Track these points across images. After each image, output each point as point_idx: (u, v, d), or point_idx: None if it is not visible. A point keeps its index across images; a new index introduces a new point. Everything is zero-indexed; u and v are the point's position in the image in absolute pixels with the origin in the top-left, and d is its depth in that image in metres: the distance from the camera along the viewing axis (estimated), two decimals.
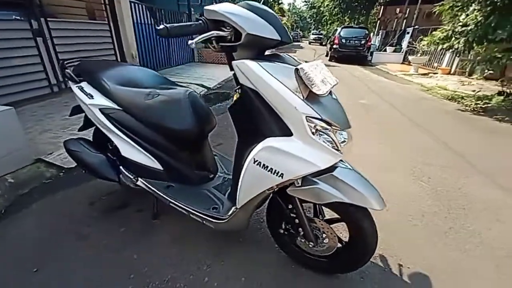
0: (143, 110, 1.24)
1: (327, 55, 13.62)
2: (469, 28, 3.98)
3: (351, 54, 10.83)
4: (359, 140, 1.70)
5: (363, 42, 10.70)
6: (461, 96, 5.07)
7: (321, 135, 0.86)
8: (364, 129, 3.34)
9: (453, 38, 4.23)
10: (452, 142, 3.02)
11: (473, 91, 5.25)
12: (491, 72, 6.47)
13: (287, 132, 0.88)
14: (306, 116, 0.82)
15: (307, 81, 0.81)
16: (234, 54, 0.96)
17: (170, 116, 1.23)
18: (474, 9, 3.83)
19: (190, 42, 0.83)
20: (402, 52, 11.07)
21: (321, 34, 32.58)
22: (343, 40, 10.83)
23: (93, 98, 1.33)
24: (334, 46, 11.04)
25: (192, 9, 8.42)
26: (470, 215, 1.75)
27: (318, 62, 0.94)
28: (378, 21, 15.35)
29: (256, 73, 0.84)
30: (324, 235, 1.11)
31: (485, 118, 4.04)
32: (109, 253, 1.35)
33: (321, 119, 0.84)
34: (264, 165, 0.91)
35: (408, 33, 10.86)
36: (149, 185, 1.33)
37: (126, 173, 1.39)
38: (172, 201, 1.27)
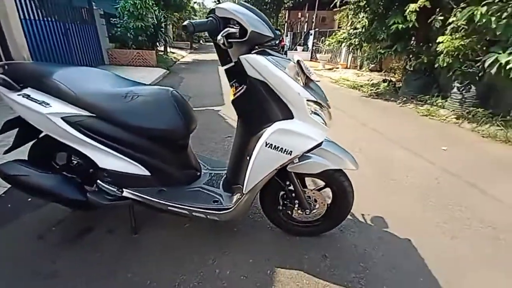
0: (123, 113, 1.13)
1: None
2: (359, 30, 5.05)
3: None
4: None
5: (277, 42, 11.71)
6: (360, 85, 6.36)
7: (316, 114, 1.04)
8: None
9: (351, 38, 5.26)
10: (363, 119, 3.87)
11: (368, 80, 6.65)
12: (372, 65, 8.32)
13: (289, 115, 1.03)
14: (307, 100, 1.00)
15: (306, 70, 0.98)
16: (230, 50, 1.04)
17: (155, 116, 1.17)
18: (363, 16, 4.88)
19: (219, 37, 0.87)
20: (309, 51, 12.77)
21: None
22: None
23: (50, 106, 1.11)
24: None
25: (93, 3, 7.36)
26: (394, 171, 2.33)
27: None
28: (285, 24, 17.14)
29: (265, 65, 0.96)
30: (315, 201, 1.32)
31: (379, 100, 5.28)
32: (98, 281, 1.18)
33: (315, 102, 1.02)
34: (275, 146, 1.03)
35: (311, 34, 12.60)
36: (139, 194, 1.22)
37: (107, 187, 1.23)
38: (171, 204, 1.22)
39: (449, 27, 3.72)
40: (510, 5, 2.76)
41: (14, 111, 1.19)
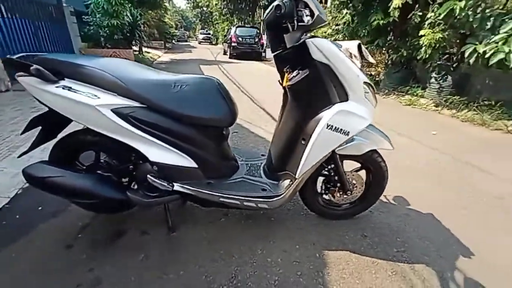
0: (174, 103, 1.10)
1: (225, 53, 14.19)
2: (341, 26, 5.27)
3: (248, 51, 11.79)
4: None
5: (256, 40, 11.83)
6: None
7: (366, 96, 1.10)
8: None
9: (333, 35, 5.47)
10: None
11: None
12: None
13: (344, 98, 1.08)
14: (363, 82, 1.05)
15: (365, 53, 1.03)
16: (286, 35, 1.06)
17: (204, 105, 1.15)
18: (346, 12, 5.10)
19: (306, 20, 0.88)
20: None
21: (209, 33, 33.14)
22: (240, 39, 11.62)
23: (98, 98, 1.04)
24: (233, 45, 11.67)
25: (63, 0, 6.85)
26: (398, 155, 2.48)
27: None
28: (262, 22, 17.24)
29: (330, 48, 1.01)
30: (354, 183, 1.38)
31: None
32: (151, 283, 1.13)
33: (368, 83, 1.08)
34: (335, 127, 1.08)
35: None
36: (190, 187, 1.19)
37: (157, 181, 1.17)
38: (222, 195, 1.21)
39: (427, 22, 4.03)
40: (484, 1, 3.07)
41: (48, 105, 1.10)
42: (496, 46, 2.95)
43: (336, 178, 1.34)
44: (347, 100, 1.10)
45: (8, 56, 1.09)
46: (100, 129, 1.10)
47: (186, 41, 38.90)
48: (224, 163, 1.30)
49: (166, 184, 1.19)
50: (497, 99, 3.79)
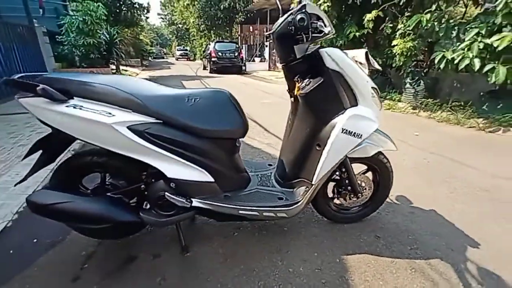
0: (189, 117, 1.09)
1: (204, 68, 14.27)
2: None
3: (228, 65, 11.96)
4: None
5: (236, 54, 12.06)
6: None
7: (373, 100, 1.17)
8: (280, 118, 3.98)
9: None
10: None
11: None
12: None
13: (355, 103, 1.14)
14: (371, 87, 1.12)
15: (371, 61, 1.10)
16: (296, 47, 1.11)
17: (219, 117, 1.15)
18: None
19: (327, 30, 0.92)
20: (266, 61, 13.36)
21: (186, 49, 33.29)
22: (220, 54, 11.78)
23: (113, 116, 1.00)
24: (213, 59, 11.79)
25: (35, 20, 6.60)
26: (390, 155, 2.60)
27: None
28: (239, 37, 17.69)
29: (342, 57, 1.06)
30: (363, 185, 1.43)
31: None
32: None
33: (375, 88, 1.15)
34: (349, 131, 1.12)
35: (266, 46, 13.25)
36: (208, 202, 1.16)
37: (176, 198, 1.13)
38: (241, 207, 1.19)
39: (398, 33, 4.37)
40: (447, 12, 3.41)
41: (55, 126, 1.03)
42: (463, 52, 3.26)
43: (347, 181, 1.38)
44: (356, 105, 1.16)
45: (5, 78, 1.03)
46: (115, 148, 1.06)
47: (163, 57, 38.76)
48: (238, 175, 1.29)
49: (184, 201, 1.15)
50: (465, 99, 4.15)
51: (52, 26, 7.33)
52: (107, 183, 1.28)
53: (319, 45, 1.20)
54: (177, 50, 34.73)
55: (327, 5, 4.99)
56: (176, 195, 1.15)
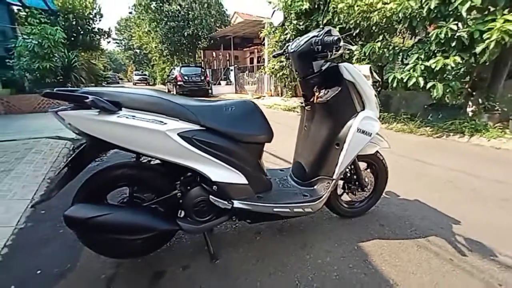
0: (228, 123, 1.19)
1: (169, 92, 14.10)
2: (289, 63, 6.13)
3: (194, 89, 12.06)
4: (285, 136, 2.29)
5: (202, 78, 12.28)
6: (293, 107, 7.44)
7: (376, 105, 1.44)
8: None
9: (282, 69, 6.29)
10: None
11: (300, 103, 7.85)
12: (290, 92, 9.88)
13: (363, 107, 1.39)
14: (374, 94, 1.38)
15: (374, 74, 1.37)
16: (314, 63, 1.33)
17: (252, 124, 1.27)
18: None
19: (354, 48, 1.13)
20: (232, 85, 13.85)
21: (145, 74, 32.50)
22: (186, 77, 11.87)
23: (165, 124, 1.05)
24: (179, 83, 11.79)
25: None
26: None
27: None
28: (202, 62, 18.11)
29: (356, 71, 1.30)
30: (367, 180, 1.65)
31: None
32: None
33: (376, 96, 1.42)
34: (363, 130, 1.35)
35: (231, 70, 13.81)
36: (248, 203, 1.24)
37: (220, 201, 1.18)
38: (276, 205, 1.29)
39: (354, 58, 5.10)
40: (391, 42, 4.16)
41: (102, 137, 1.04)
42: (409, 73, 3.96)
43: (355, 177, 1.59)
44: (364, 109, 1.41)
45: (47, 90, 1.02)
46: (166, 155, 1.10)
47: (118, 82, 37.08)
48: (265, 178, 1.40)
49: (226, 203, 1.21)
50: (411, 112, 4.94)
51: (0, 51, 6.68)
52: (136, 195, 1.28)
53: (330, 62, 1.45)
54: (135, 75, 33.64)
55: (293, 34, 5.59)
56: (219, 198, 1.21)
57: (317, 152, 1.45)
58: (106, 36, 12.29)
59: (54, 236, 1.63)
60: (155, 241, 1.32)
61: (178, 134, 1.09)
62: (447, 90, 3.79)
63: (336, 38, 1.21)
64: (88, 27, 10.74)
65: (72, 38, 9.47)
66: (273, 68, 6.49)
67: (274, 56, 1.78)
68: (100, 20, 11.50)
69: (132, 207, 1.22)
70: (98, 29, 11.37)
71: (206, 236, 1.39)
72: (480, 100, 4.20)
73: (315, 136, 1.47)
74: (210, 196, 1.21)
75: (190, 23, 14.86)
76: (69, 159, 1.11)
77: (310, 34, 1.33)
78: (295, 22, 5.50)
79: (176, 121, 1.11)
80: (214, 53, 17.78)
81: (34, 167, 2.95)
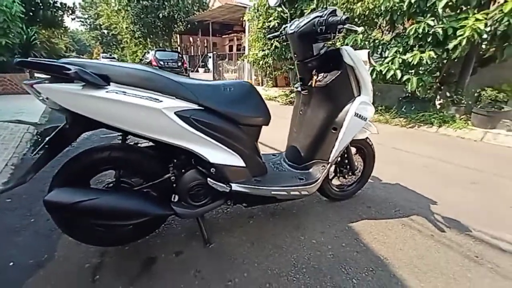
0: (227, 104, 1.13)
1: None
2: (272, 51, 6.09)
3: None
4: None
5: (179, 64, 11.75)
6: (274, 97, 7.44)
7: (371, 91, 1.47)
8: None
9: (266, 57, 6.22)
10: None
11: (276, 93, 7.86)
12: (271, 82, 9.87)
13: (359, 92, 1.39)
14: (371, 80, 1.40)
15: (371, 59, 1.38)
16: (314, 45, 1.31)
17: (250, 105, 1.22)
18: (274, 40, 5.92)
19: (360, 29, 1.10)
20: (211, 72, 13.44)
21: (114, 57, 30.33)
22: (161, 62, 11.26)
23: (161, 101, 0.95)
24: None
25: None
26: None
27: None
28: (179, 47, 17.27)
29: (356, 55, 1.29)
30: (356, 164, 1.70)
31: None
32: None
33: (372, 81, 1.44)
34: (359, 115, 1.36)
35: (210, 57, 13.37)
36: (246, 185, 1.20)
37: (217, 184, 1.13)
38: (274, 188, 1.27)
39: None
40: (370, 35, 4.29)
41: (88, 114, 0.93)
42: (388, 66, 4.13)
43: (346, 161, 1.63)
44: (360, 94, 1.42)
45: (20, 59, 0.89)
46: (159, 135, 1.02)
47: None
48: (261, 161, 1.38)
49: (225, 186, 1.17)
50: (386, 104, 5.19)
51: None
52: (123, 179, 1.18)
53: (329, 45, 1.44)
54: (102, 57, 31.21)
55: (277, 22, 5.51)
56: (217, 181, 1.17)
57: (313, 136, 1.46)
58: (70, 13, 11.12)
59: (25, 225, 1.48)
60: (145, 227, 1.25)
61: (175, 113, 1.01)
62: (420, 84, 4.02)
63: (344, 17, 1.18)
64: (50, 1, 9.61)
65: (31, 13, 8.41)
66: (255, 55, 6.38)
67: (269, 38, 1.73)
68: None
69: (123, 191, 1.13)
70: (61, 3, 10.23)
71: (199, 220, 1.35)
72: (448, 93, 4.53)
73: (311, 120, 1.47)
74: (208, 179, 1.16)
75: (166, 3, 13.99)
76: (48, 138, 0.98)
77: (312, 15, 1.29)
78: (279, 9, 5.41)
79: (173, 99, 1.03)
80: (191, 39, 17.05)
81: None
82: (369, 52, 1.45)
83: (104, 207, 0.99)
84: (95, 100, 0.91)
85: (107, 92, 0.92)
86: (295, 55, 1.44)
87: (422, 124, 4.30)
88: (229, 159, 1.18)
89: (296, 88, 1.64)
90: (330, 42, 1.35)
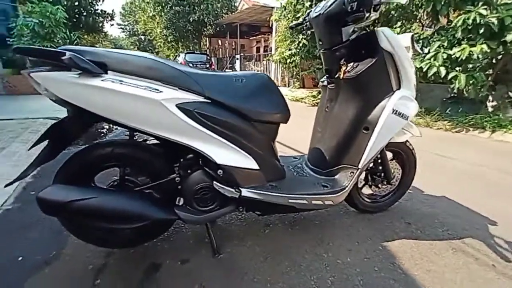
0: (238, 97, 0.99)
1: None
2: (299, 50, 5.86)
3: None
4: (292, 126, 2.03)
5: (207, 65, 12.00)
6: (301, 98, 7.17)
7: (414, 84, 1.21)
8: None
9: (293, 56, 6.02)
10: None
11: (303, 94, 7.57)
12: (298, 83, 9.58)
13: (399, 85, 1.15)
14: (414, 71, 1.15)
15: (416, 45, 1.14)
16: (344, 28, 1.10)
17: (266, 100, 1.07)
18: (302, 38, 5.69)
19: (404, 1, 0.90)
20: None
21: None
22: (190, 64, 11.57)
23: (161, 92, 0.85)
24: None
25: None
26: None
27: None
28: (207, 50, 17.72)
29: (396, 39, 1.07)
30: (393, 172, 1.44)
31: None
32: None
33: (415, 72, 1.19)
34: (398, 112, 1.13)
35: (237, 58, 13.46)
36: (258, 191, 1.04)
37: (225, 188, 0.99)
38: (291, 196, 1.09)
39: None
40: (409, 29, 3.85)
41: (81, 105, 0.85)
42: (430, 62, 3.68)
43: (380, 168, 1.38)
44: (399, 87, 1.18)
45: (17, 45, 0.83)
46: (159, 130, 0.91)
47: None
48: (278, 164, 1.20)
49: (233, 191, 1.02)
50: (426, 106, 4.66)
51: (1, 29, 6.47)
52: (128, 178, 1.09)
53: (362, 30, 1.22)
54: None
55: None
56: (225, 185, 1.02)
57: (340, 137, 1.24)
58: (110, 19, 11.97)
59: (41, 219, 1.47)
60: (149, 231, 1.14)
61: (176, 106, 0.89)
62: (470, 82, 3.51)
63: None
64: (91, 8, 10.43)
65: (75, 20, 9.18)
66: (282, 54, 6.19)
67: (291, 28, 1.55)
68: (103, 1, 11.17)
69: (123, 191, 1.03)
70: (101, 10, 11.06)
71: (209, 227, 1.21)
72: (506, 94, 3.91)
73: (339, 118, 1.25)
74: (214, 182, 1.02)
75: (196, 8, 14.42)
76: (44, 131, 0.92)
77: None
78: (307, 4, 5.18)
79: (175, 90, 0.91)
80: (220, 41, 17.35)
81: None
82: (413, 35, 1.21)
83: (100, 208, 0.90)
84: (90, 90, 0.82)
85: (102, 80, 0.83)
86: (320, 43, 1.25)
87: (471, 128, 3.76)
88: (239, 160, 1.03)
89: (322, 82, 1.44)
90: (363, 25, 1.12)
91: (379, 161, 1.38)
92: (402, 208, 1.61)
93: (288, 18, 5.86)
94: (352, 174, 1.21)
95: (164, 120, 0.89)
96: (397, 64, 1.15)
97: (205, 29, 15.60)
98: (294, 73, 8.21)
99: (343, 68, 1.17)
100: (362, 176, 1.47)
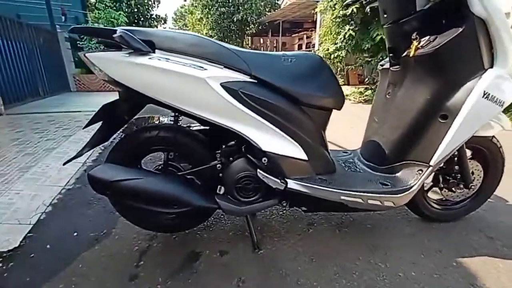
0: (287, 78, 0.90)
1: None
2: (344, 43, 5.46)
3: None
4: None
5: None
6: (346, 94, 6.72)
7: None
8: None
9: (338, 50, 5.64)
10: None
11: (357, 90, 7.07)
12: (342, 80, 9.01)
13: (492, 64, 0.91)
14: None
15: None
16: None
17: (318, 82, 0.95)
18: (348, 28, 5.30)
19: None
20: None
21: None
22: None
23: (206, 70, 0.81)
24: None
25: (58, 26, 6.71)
26: None
27: None
28: (249, 48, 17.98)
29: (493, 1, 0.85)
30: (472, 173, 1.18)
31: (369, 104, 5.58)
32: None
33: None
34: (492, 96, 0.90)
35: None
36: (306, 184, 0.93)
37: (270, 178, 0.91)
38: (345, 192, 0.95)
39: None
40: None
41: (130, 84, 0.85)
42: None
43: (456, 167, 1.13)
44: (492, 66, 0.93)
45: (73, 26, 0.87)
46: (201, 110, 0.86)
47: None
48: (327, 155, 1.06)
49: (279, 181, 0.93)
50: None
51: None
52: (171, 163, 1.08)
53: None
54: None
55: (356, 7, 4.89)
56: (270, 174, 0.93)
57: (407, 127, 1.04)
58: (163, 22, 12.95)
59: (98, 199, 1.58)
60: (189, 219, 1.11)
61: (221, 85, 0.83)
62: None
63: None
64: (148, 13, 11.41)
65: (134, 24, 10.16)
66: (327, 50, 5.86)
67: (347, 5, 1.37)
68: (157, 6, 12.13)
69: (166, 175, 1.01)
70: (156, 15, 12.02)
71: (249, 220, 1.14)
72: None
73: (405, 105, 1.05)
74: (258, 170, 0.93)
75: (240, 8, 14.68)
76: (97, 110, 0.95)
77: None
78: None
79: (220, 68, 0.85)
80: (261, 40, 17.44)
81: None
82: None
83: (143, 189, 0.89)
84: (137, 68, 0.81)
85: (150, 59, 0.81)
86: (385, 15, 1.06)
87: None
88: (286, 148, 0.92)
89: (382, 65, 1.24)
90: None
91: (456, 159, 1.13)
92: (481, 219, 1.32)
93: (336, 9, 5.50)
94: (420, 172, 1.00)
95: (208, 100, 0.84)
96: (491, 35, 0.90)
97: (247, 28, 15.80)
98: (339, 69, 7.75)
99: (415, 43, 0.96)
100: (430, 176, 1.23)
